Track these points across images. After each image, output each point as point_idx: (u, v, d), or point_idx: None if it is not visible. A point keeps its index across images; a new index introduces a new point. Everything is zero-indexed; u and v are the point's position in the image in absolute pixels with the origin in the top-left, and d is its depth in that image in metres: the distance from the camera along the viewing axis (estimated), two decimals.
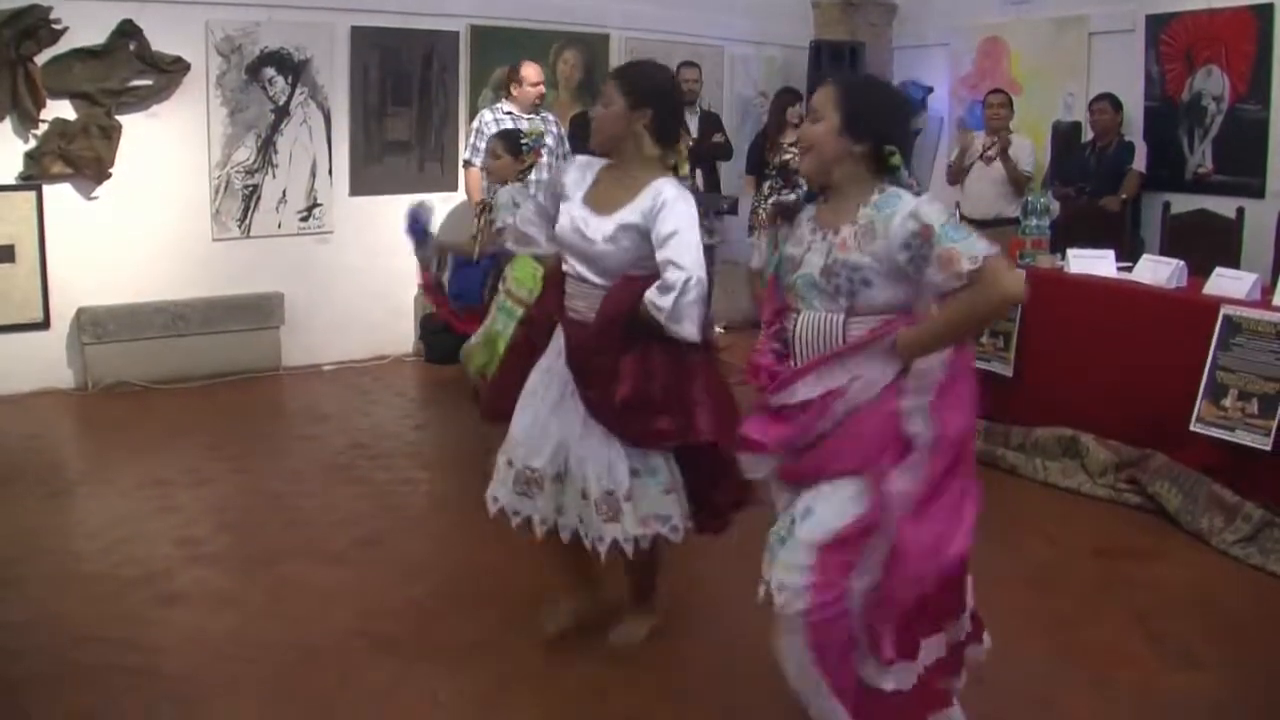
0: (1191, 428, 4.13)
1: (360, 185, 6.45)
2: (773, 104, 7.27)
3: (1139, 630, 3.32)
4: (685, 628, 3.15)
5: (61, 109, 5.53)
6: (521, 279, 4.11)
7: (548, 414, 2.86)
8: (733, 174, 7.31)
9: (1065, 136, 6.95)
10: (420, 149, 6.69)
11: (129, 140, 5.71)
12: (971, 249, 2.07)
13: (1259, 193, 6.07)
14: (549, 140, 6.09)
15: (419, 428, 5.36)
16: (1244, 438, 3.99)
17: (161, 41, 5.72)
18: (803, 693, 2.21)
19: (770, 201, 6.68)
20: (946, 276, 2.08)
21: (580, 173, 2.88)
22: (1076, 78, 7.03)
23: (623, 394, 2.70)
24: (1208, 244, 5.60)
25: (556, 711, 2.84)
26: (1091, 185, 6.33)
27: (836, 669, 2.16)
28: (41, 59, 5.42)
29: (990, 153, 6.37)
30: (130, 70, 5.67)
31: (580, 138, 5.92)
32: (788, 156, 6.94)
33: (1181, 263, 4.68)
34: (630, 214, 2.71)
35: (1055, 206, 5.69)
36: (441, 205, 6.72)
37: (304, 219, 6.38)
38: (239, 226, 6.17)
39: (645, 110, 2.76)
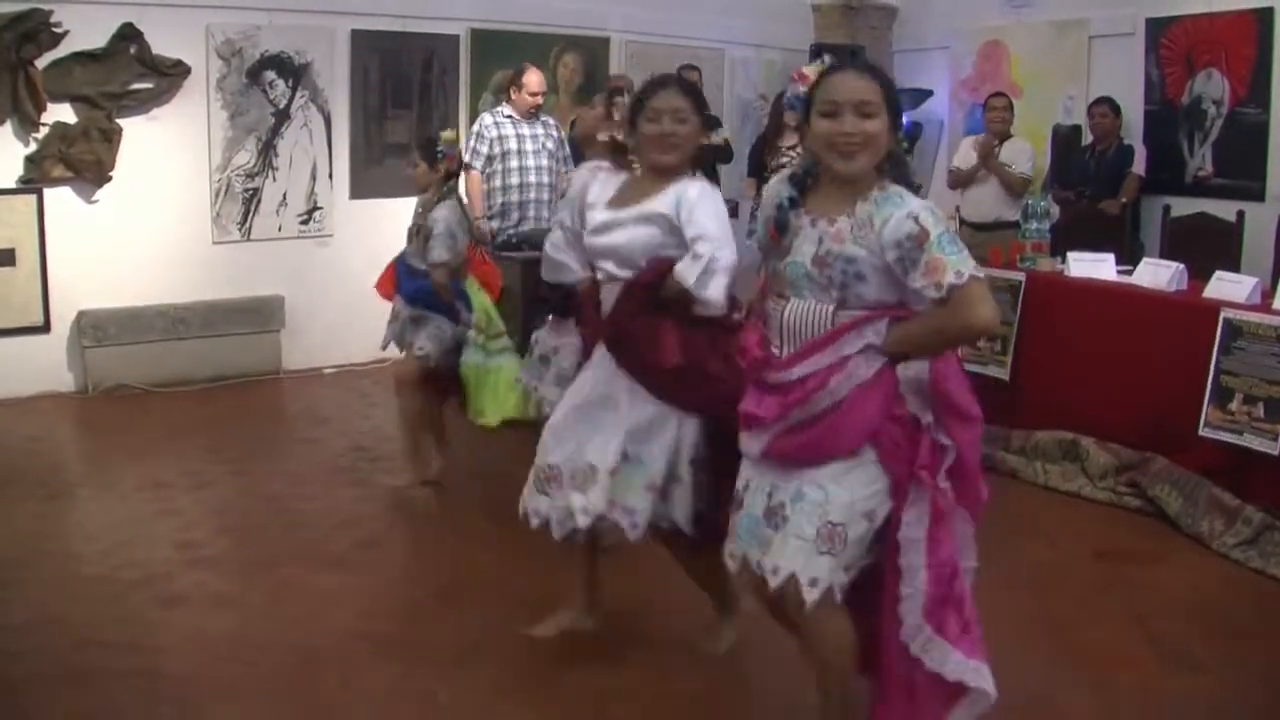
0: (1200, 432, 4.13)
1: (361, 188, 6.46)
2: (772, 107, 7.27)
3: (1139, 633, 3.32)
4: (686, 632, 3.15)
5: (62, 112, 5.54)
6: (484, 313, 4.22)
7: (576, 415, 2.85)
8: (733, 176, 7.31)
9: (1065, 140, 6.95)
10: (420, 151, 6.68)
11: (129, 143, 5.72)
12: (959, 265, 2.04)
13: (1259, 196, 6.07)
14: (549, 145, 6.10)
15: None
16: (1252, 442, 3.99)
17: (162, 45, 5.73)
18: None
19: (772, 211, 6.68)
20: (927, 285, 2.06)
21: (602, 186, 2.90)
22: (1077, 81, 7.03)
23: (674, 361, 2.69)
24: (1208, 247, 5.60)
25: (557, 714, 2.84)
26: (1091, 189, 6.33)
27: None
28: (42, 62, 5.43)
29: (981, 158, 6.35)
30: (131, 74, 5.68)
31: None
32: (786, 159, 6.96)
33: (1181, 266, 4.68)
34: (656, 204, 2.73)
35: (1055, 210, 5.70)
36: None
37: (304, 222, 6.39)
38: (239, 230, 6.18)
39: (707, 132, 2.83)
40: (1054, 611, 3.45)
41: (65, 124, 5.54)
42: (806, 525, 2.15)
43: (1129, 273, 4.85)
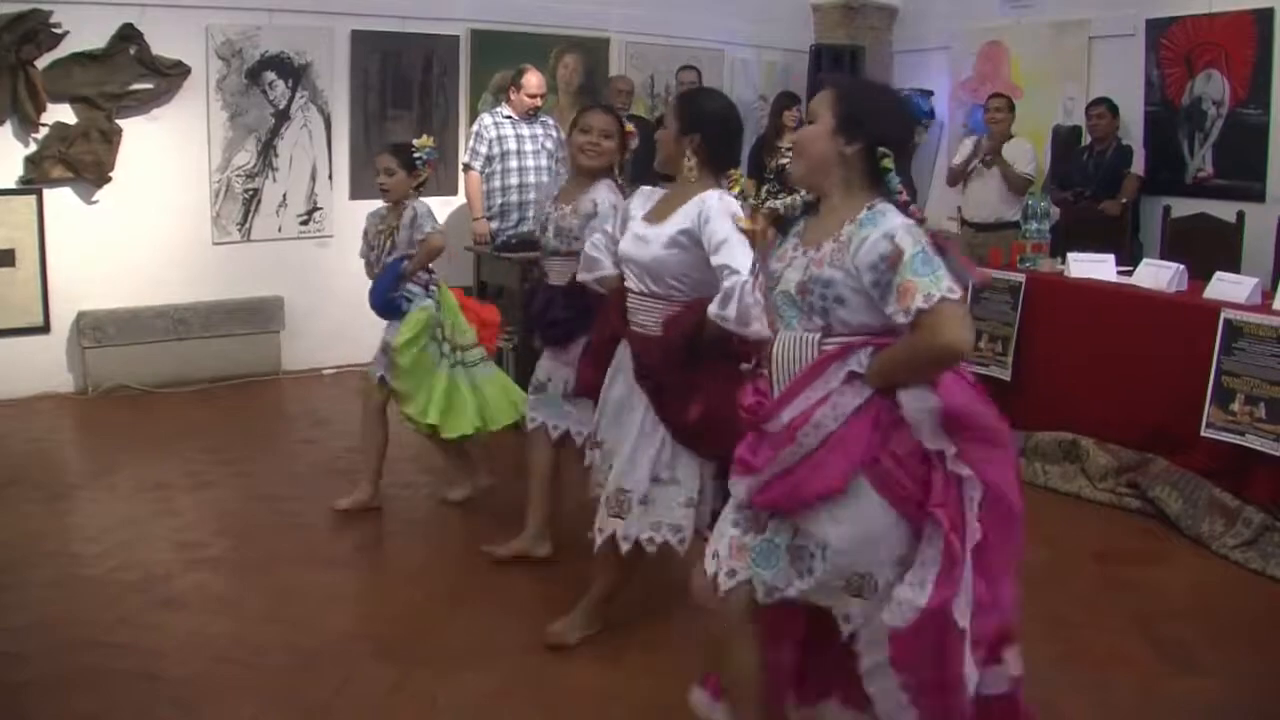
0: (1202, 433, 4.12)
1: (360, 189, 6.44)
2: (771, 108, 7.29)
3: (1139, 634, 3.32)
4: (687, 634, 3.14)
5: (62, 113, 5.54)
6: (459, 325, 4.16)
7: (613, 399, 2.98)
8: None
9: (1065, 140, 6.95)
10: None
11: (129, 144, 5.72)
12: (930, 288, 1.93)
13: (1259, 196, 6.07)
14: (549, 145, 6.10)
15: (418, 431, 5.34)
16: (1254, 442, 3.98)
17: (162, 45, 5.73)
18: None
19: (765, 206, 6.67)
20: (896, 310, 1.96)
21: (643, 200, 3.02)
22: (1077, 82, 7.03)
23: (696, 414, 2.75)
24: (1208, 248, 5.60)
25: (556, 714, 2.84)
26: (1089, 189, 6.33)
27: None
28: (42, 63, 5.43)
29: (985, 159, 6.35)
30: (131, 74, 5.68)
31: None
32: (784, 160, 6.97)
33: (1182, 267, 4.68)
34: (681, 220, 2.81)
35: (1055, 211, 5.70)
36: (441, 208, 6.75)
37: (304, 223, 6.39)
38: (239, 230, 6.18)
39: (694, 135, 2.89)
40: (1054, 612, 3.45)
41: (65, 124, 5.54)
42: (835, 579, 2.07)
43: (1129, 273, 4.85)
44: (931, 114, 7.76)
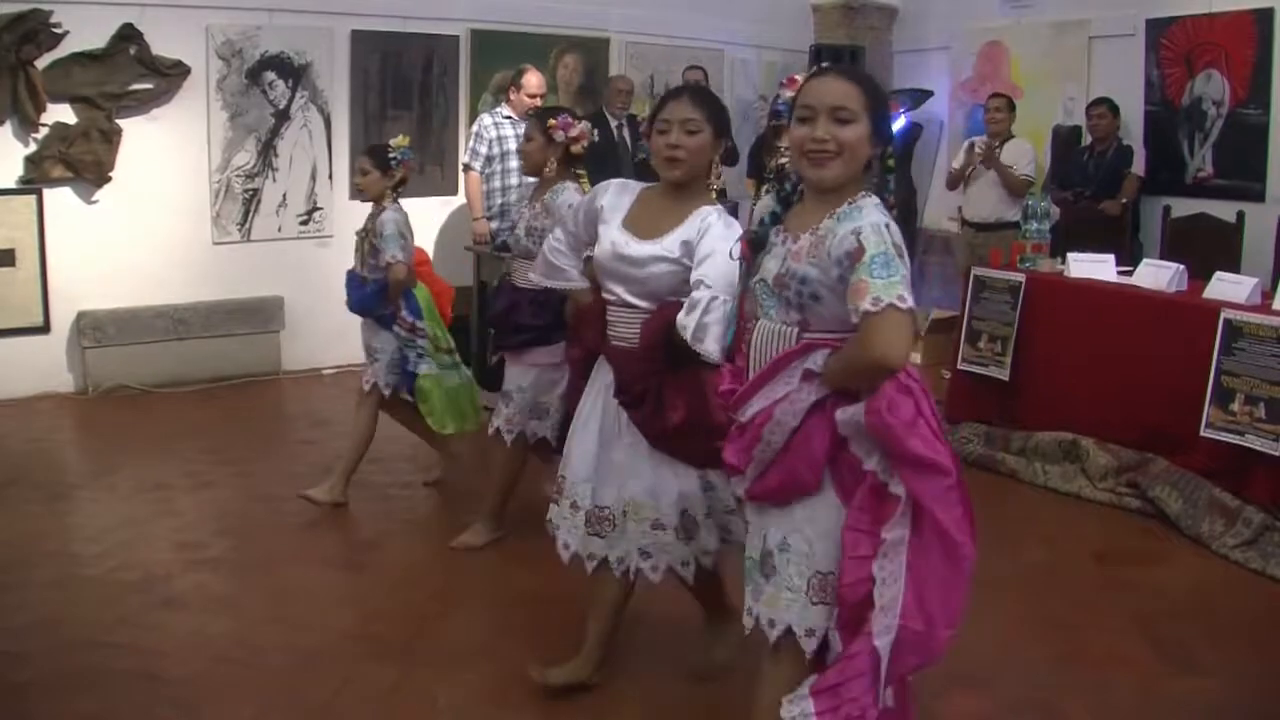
0: (1202, 433, 4.13)
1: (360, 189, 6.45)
2: (770, 108, 7.27)
3: (1139, 634, 3.31)
4: (689, 637, 3.14)
5: (62, 113, 5.54)
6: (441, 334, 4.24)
7: (603, 448, 2.79)
8: (733, 177, 7.31)
9: (1065, 140, 6.95)
10: (420, 153, 6.66)
11: (129, 144, 5.72)
12: (880, 291, 1.86)
13: (1259, 197, 6.07)
14: None
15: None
16: (1254, 442, 3.99)
17: (162, 45, 5.73)
18: None
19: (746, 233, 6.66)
20: (851, 309, 1.91)
21: (617, 196, 2.77)
22: (1077, 82, 7.03)
23: (678, 419, 2.64)
24: (1208, 248, 5.60)
25: (556, 715, 2.83)
26: (1090, 189, 6.33)
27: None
28: (42, 63, 5.42)
29: (982, 163, 6.35)
30: (131, 74, 5.68)
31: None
32: (784, 160, 6.94)
33: (1182, 267, 4.68)
34: (680, 238, 2.62)
35: (1055, 211, 5.70)
36: (441, 209, 6.76)
37: (304, 223, 6.38)
38: (239, 230, 6.18)
39: (726, 140, 2.73)
40: (1054, 612, 3.45)
41: (65, 124, 5.54)
42: (796, 577, 2.07)
43: (1129, 273, 4.85)
44: (909, 133, 7.59)
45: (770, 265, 2.09)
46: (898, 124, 7.03)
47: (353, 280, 4.24)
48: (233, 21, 5.96)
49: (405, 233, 4.10)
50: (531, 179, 3.93)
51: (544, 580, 3.57)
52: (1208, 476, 4.13)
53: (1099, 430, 4.61)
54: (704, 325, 2.45)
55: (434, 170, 6.75)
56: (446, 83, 6.74)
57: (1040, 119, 7.07)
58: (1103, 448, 4.55)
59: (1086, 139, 6.66)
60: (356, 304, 4.22)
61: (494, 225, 5.99)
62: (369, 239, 4.15)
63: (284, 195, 6.29)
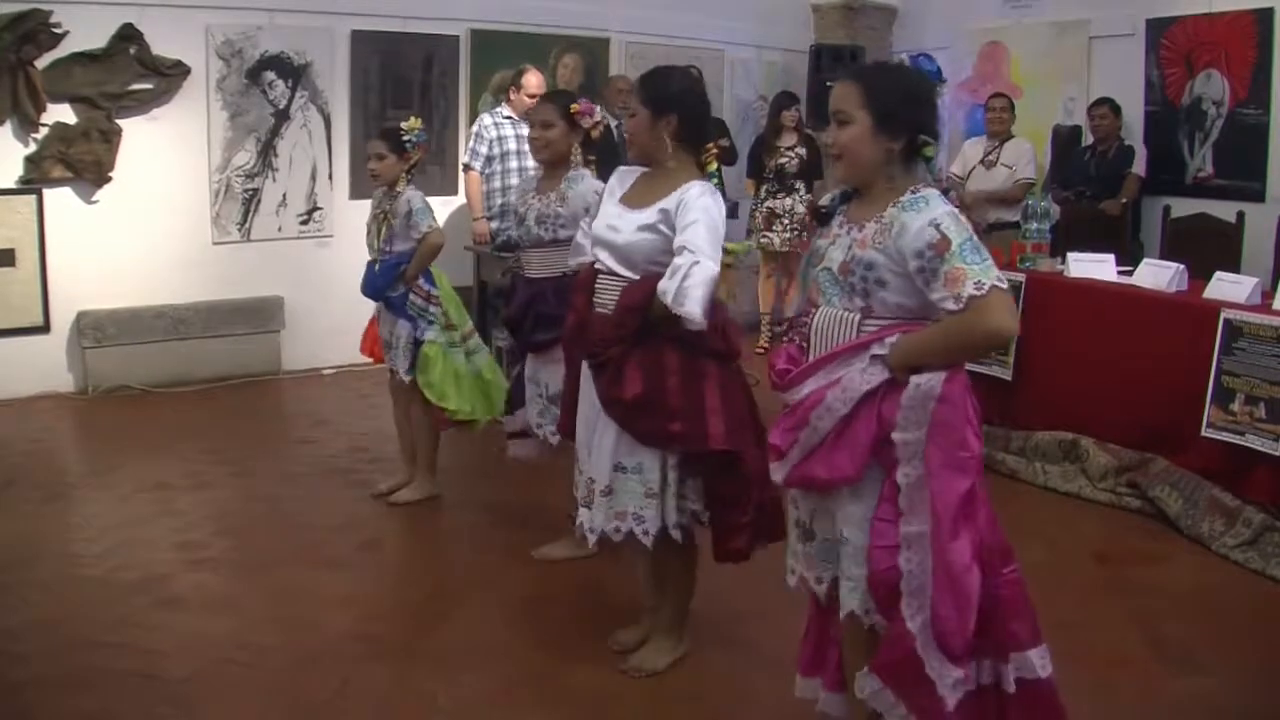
0: (1203, 433, 4.12)
1: (360, 189, 6.42)
2: (771, 108, 7.29)
3: (1139, 634, 3.31)
4: (693, 635, 3.14)
5: (62, 113, 5.54)
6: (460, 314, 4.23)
7: (593, 414, 2.88)
8: (733, 177, 7.31)
9: (1065, 140, 6.95)
10: None
11: (129, 144, 5.72)
12: (980, 275, 1.98)
13: (1259, 197, 6.07)
14: None
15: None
16: (1254, 442, 3.98)
17: (162, 45, 5.73)
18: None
19: (805, 203, 6.77)
20: (946, 296, 2.00)
21: (621, 179, 2.95)
22: (1077, 82, 7.03)
23: (634, 392, 2.71)
24: (1208, 248, 5.60)
25: (556, 715, 2.83)
26: (1091, 189, 6.33)
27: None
28: (42, 63, 5.43)
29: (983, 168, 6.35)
30: (131, 74, 5.68)
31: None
32: (784, 160, 6.97)
33: (1182, 266, 4.68)
34: (661, 208, 2.74)
35: (1055, 210, 5.70)
36: (441, 208, 6.74)
37: (304, 223, 6.39)
38: (239, 230, 6.18)
39: (669, 116, 2.80)
40: (1054, 612, 3.41)
41: (65, 124, 5.54)
42: (854, 567, 2.17)
43: (1129, 273, 4.85)
44: (939, 74, 7.67)
45: (835, 254, 2.18)
46: None
47: (371, 269, 4.22)
48: (233, 21, 5.96)
49: (430, 207, 4.13)
50: (530, 171, 3.92)
51: (544, 580, 3.57)
52: (1208, 476, 4.12)
53: (1099, 430, 4.61)
54: (684, 289, 2.58)
55: (434, 170, 6.74)
56: (446, 83, 6.74)
57: (1040, 119, 7.07)
58: (1103, 447, 4.55)
59: (1087, 139, 6.66)
60: (369, 286, 4.21)
61: (494, 225, 5.99)
62: (387, 220, 4.12)
63: (284, 195, 6.29)
